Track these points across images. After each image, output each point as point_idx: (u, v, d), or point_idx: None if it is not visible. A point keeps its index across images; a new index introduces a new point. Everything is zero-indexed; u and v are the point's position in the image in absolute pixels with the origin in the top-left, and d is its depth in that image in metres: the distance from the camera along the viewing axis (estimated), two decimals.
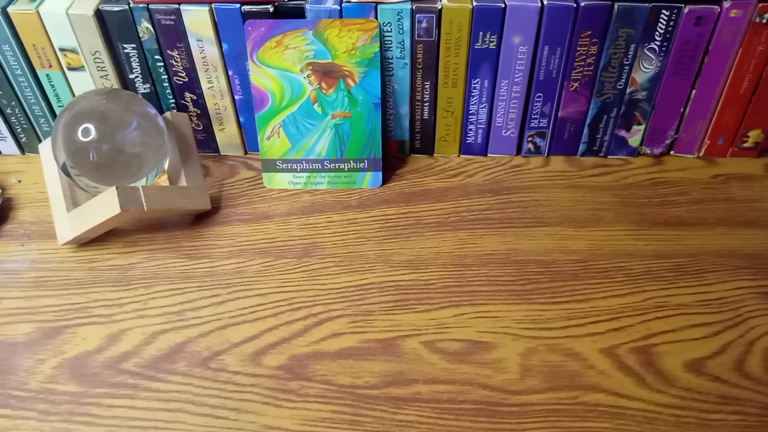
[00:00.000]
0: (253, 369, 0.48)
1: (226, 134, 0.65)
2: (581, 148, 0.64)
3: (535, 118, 0.62)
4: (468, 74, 0.59)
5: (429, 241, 0.57)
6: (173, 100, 0.62)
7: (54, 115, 0.64)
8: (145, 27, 0.57)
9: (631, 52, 0.57)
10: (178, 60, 0.59)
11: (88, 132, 0.51)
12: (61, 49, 0.58)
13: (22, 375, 0.49)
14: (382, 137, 0.62)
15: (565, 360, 0.48)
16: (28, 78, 0.60)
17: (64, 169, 0.53)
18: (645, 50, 0.57)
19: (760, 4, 0.54)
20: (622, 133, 0.63)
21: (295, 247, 0.57)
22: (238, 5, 0.56)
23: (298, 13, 0.57)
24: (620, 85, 0.59)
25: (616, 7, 0.54)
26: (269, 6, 0.56)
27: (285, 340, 0.50)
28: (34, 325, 0.52)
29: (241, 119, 0.64)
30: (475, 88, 0.60)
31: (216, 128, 0.64)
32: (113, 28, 0.57)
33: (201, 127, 0.64)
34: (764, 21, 0.55)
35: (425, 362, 0.48)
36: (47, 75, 0.60)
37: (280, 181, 0.62)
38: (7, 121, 0.64)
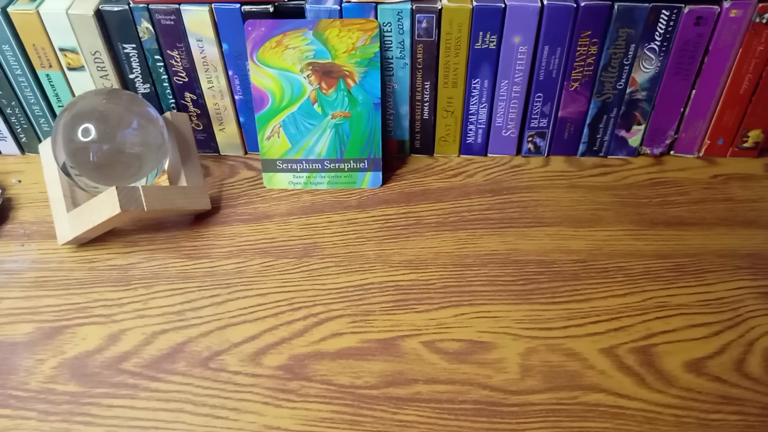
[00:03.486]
0: (253, 369, 0.48)
1: (226, 134, 0.65)
2: (581, 148, 0.64)
3: (535, 118, 0.62)
4: (468, 74, 0.59)
5: (429, 241, 0.57)
6: (173, 100, 0.62)
7: (54, 115, 0.64)
8: (145, 27, 0.57)
9: (631, 52, 0.57)
10: (178, 60, 0.59)
11: (88, 132, 0.51)
12: (61, 49, 0.58)
13: (22, 375, 0.48)
14: (382, 137, 0.62)
15: (565, 360, 0.48)
16: (28, 78, 0.60)
17: (64, 169, 0.53)
18: (645, 50, 0.57)
19: (760, 4, 0.54)
20: (622, 133, 0.63)
21: (295, 247, 0.57)
22: (238, 5, 0.56)
23: (298, 13, 0.57)
24: (620, 85, 0.59)
25: (616, 7, 0.54)
26: (269, 6, 0.56)
27: (285, 340, 0.50)
28: (34, 325, 0.52)
29: (241, 119, 0.64)
30: (475, 88, 0.60)
31: (216, 128, 0.64)
32: (113, 28, 0.57)
33: (201, 127, 0.64)
34: (764, 21, 0.55)
35: (425, 362, 0.48)
36: (47, 75, 0.60)
37: (280, 181, 0.62)
38: (7, 121, 0.64)
